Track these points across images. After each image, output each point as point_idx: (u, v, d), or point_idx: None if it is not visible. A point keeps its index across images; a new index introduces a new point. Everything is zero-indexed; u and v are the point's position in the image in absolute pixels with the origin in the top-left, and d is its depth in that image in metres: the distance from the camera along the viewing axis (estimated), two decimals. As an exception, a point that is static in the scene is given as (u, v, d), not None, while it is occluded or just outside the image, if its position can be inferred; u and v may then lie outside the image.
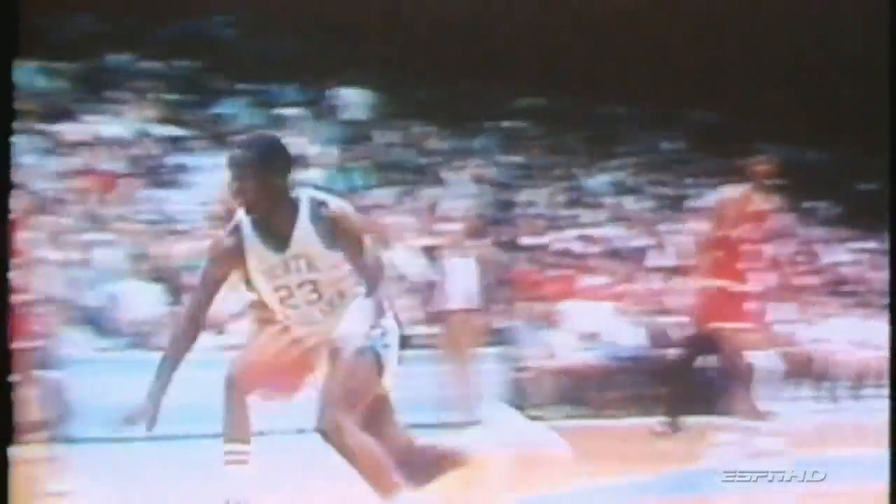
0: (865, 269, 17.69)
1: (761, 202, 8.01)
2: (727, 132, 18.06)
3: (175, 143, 14.63)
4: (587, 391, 12.34)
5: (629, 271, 13.81)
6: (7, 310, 5.01)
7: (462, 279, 11.11)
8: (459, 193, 14.99)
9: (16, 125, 5.12)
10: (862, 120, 13.42)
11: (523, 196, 16.39)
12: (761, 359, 8.16)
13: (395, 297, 5.18)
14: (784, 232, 8.21)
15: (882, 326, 12.14)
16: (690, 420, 8.89)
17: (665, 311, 12.85)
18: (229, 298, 5.71)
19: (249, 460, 4.48)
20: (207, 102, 16.17)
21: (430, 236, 12.36)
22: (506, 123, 18.75)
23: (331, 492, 4.52)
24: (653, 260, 13.50)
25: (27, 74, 14.97)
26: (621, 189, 17.80)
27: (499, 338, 12.05)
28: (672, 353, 10.83)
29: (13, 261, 6.38)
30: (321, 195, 4.55)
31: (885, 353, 7.11)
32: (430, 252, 11.76)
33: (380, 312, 4.49)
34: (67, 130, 14.18)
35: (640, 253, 14.34)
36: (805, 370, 14.16)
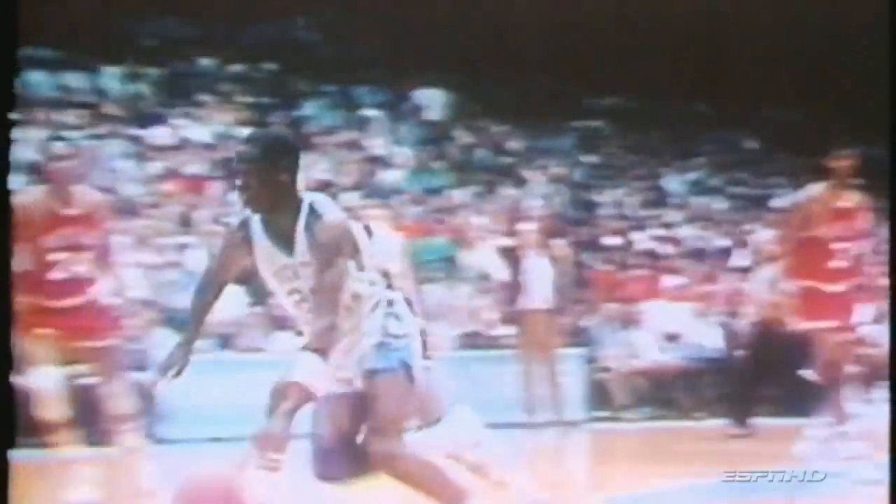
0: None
1: (846, 200, 7.92)
2: (806, 130, 17.84)
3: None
4: (669, 392, 12.30)
5: (711, 271, 13.72)
6: (9, 310, 5.06)
7: (542, 279, 11.13)
8: (538, 193, 14.98)
9: (16, 125, 5.13)
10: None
11: (602, 196, 16.35)
12: (848, 360, 8.07)
13: (414, 293, 4.99)
14: (869, 231, 8.09)
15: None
16: (774, 422, 8.83)
17: (748, 312, 12.75)
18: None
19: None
20: (290, 105, 16.34)
21: (510, 237, 12.39)
22: (584, 123, 18.71)
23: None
24: (736, 260, 13.38)
25: (114, 79, 15.27)
26: (701, 188, 17.68)
27: (580, 338, 12.06)
28: (754, 353, 10.78)
29: (99, 262, 6.53)
30: (321, 205, 4.27)
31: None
32: (510, 252, 11.79)
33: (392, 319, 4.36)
34: (154, 134, 14.43)
35: (723, 253, 14.23)
36: (884, 372, 13.93)
